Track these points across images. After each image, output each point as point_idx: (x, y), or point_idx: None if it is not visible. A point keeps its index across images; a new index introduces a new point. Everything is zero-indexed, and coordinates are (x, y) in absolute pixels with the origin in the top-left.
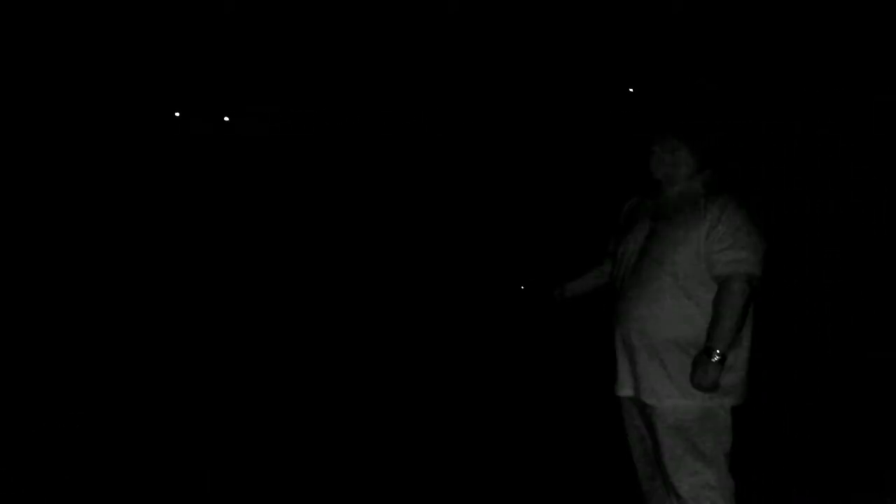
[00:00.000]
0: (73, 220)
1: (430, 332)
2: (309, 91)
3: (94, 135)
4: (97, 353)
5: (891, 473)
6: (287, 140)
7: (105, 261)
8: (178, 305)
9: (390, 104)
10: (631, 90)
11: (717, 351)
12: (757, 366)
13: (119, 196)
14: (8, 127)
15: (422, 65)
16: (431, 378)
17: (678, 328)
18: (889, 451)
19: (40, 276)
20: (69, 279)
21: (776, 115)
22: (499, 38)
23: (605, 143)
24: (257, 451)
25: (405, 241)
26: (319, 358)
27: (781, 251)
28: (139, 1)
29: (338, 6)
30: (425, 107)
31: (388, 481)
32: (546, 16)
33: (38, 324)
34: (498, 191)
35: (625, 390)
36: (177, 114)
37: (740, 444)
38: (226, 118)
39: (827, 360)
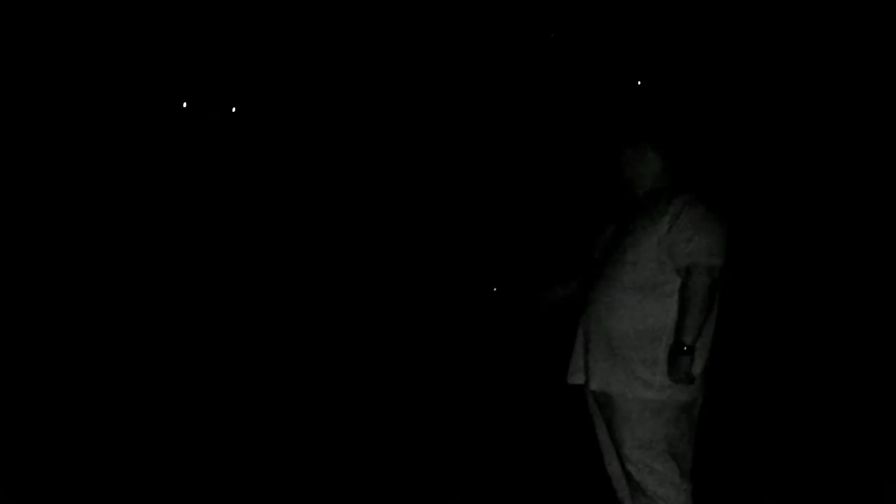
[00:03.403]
0: (69, 217)
1: (403, 333)
2: (292, 92)
3: (89, 131)
4: (96, 352)
5: (890, 475)
6: (253, 138)
7: (102, 257)
8: (176, 303)
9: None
10: (638, 82)
11: (686, 343)
12: (754, 367)
13: (115, 193)
14: (6, 125)
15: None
16: (405, 379)
17: (635, 321)
18: (888, 451)
19: (40, 274)
20: (66, 277)
21: (774, 115)
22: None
23: (581, 145)
24: (245, 453)
25: (377, 241)
26: (292, 359)
27: (777, 251)
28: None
29: (334, 5)
30: (397, 107)
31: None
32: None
33: (38, 324)
34: (474, 191)
35: (575, 378)
36: (184, 104)
37: (740, 447)
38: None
39: (823, 362)
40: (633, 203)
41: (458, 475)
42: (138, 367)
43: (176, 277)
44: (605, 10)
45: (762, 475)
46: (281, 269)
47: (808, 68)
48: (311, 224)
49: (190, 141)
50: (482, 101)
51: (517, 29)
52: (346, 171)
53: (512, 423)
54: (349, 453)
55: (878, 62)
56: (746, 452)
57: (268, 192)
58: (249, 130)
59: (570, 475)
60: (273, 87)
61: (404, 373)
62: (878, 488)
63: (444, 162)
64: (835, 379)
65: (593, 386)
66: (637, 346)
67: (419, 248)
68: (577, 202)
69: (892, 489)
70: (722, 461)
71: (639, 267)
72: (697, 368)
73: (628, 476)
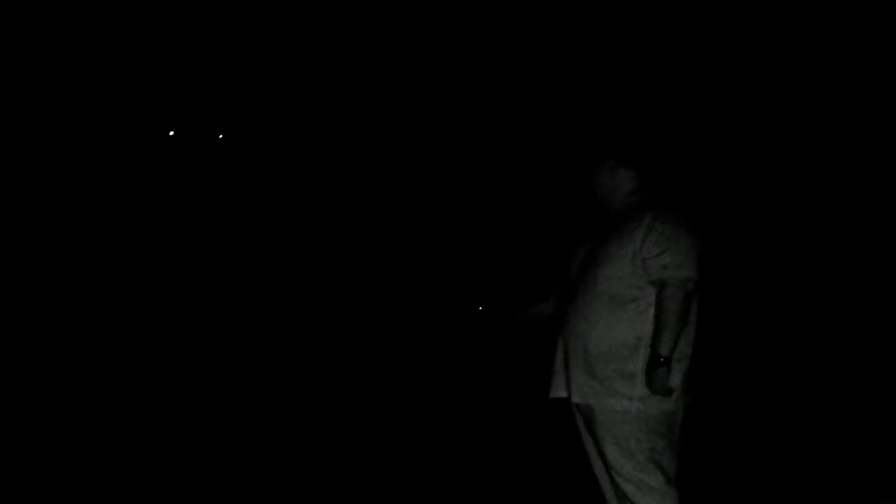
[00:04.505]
0: (69, 217)
1: (388, 345)
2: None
3: (88, 136)
4: (96, 353)
5: (889, 475)
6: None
7: (102, 257)
8: (176, 303)
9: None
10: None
11: (662, 355)
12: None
13: (114, 194)
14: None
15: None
16: (405, 387)
17: (613, 334)
18: (888, 451)
19: (40, 275)
20: (67, 277)
21: (773, 114)
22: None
23: (564, 161)
24: (245, 453)
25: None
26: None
27: (767, 255)
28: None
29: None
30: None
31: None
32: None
33: (38, 324)
34: (457, 205)
35: (557, 392)
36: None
37: (740, 448)
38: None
39: (824, 362)
40: (607, 219)
41: (457, 477)
42: (138, 367)
43: (174, 278)
44: (575, 25)
45: (762, 475)
46: (264, 280)
47: (794, 76)
48: (296, 235)
49: (188, 141)
50: (464, 117)
51: (490, 47)
52: (332, 185)
53: (504, 434)
54: (349, 455)
55: (866, 78)
56: (746, 453)
57: (255, 199)
58: (245, 131)
59: (561, 482)
60: (268, 89)
61: (403, 382)
62: (878, 488)
63: (425, 184)
64: (834, 379)
65: (575, 399)
66: (616, 359)
67: (406, 268)
68: (553, 219)
69: (893, 489)
70: (722, 461)
71: (614, 281)
72: (676, 380)
73: (615, 485)
